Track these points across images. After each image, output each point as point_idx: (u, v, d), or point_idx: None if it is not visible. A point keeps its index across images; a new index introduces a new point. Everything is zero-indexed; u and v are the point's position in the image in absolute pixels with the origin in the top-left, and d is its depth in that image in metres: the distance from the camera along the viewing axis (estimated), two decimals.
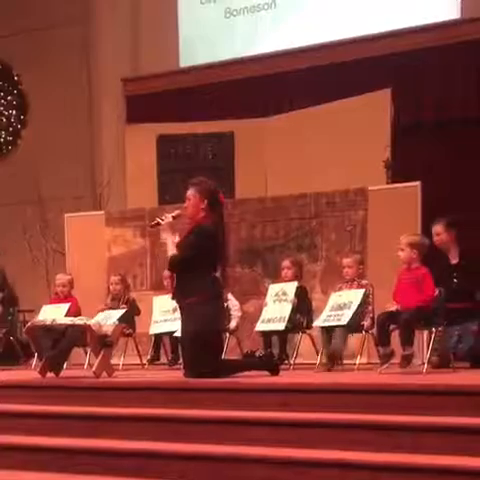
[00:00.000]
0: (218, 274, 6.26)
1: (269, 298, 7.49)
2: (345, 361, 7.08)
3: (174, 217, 6.30)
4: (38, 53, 12.74)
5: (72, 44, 12.55)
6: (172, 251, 6.14)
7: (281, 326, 7.22)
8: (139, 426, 5.36)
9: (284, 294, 7.37)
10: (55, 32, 12.60)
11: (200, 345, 5.99)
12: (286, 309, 7.26)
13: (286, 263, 7.66)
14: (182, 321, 6.28)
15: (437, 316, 6.14)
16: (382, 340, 6.28)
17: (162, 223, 6.24)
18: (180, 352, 6.97)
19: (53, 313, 7.65)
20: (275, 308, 7.35)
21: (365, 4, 11.18)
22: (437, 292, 6.17)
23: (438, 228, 6.76)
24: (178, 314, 6.53)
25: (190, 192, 6.22)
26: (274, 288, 7.53)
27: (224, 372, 6.03)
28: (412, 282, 6.19)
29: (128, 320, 7.91)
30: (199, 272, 6.08)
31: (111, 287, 8.29)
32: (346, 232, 8.19)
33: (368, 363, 7.06)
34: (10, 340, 8.60)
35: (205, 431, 5.12)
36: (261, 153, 10.52)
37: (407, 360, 5.98)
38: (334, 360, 6.82)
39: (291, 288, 7.37)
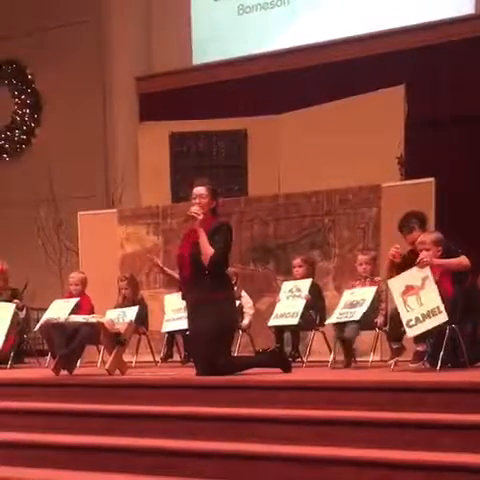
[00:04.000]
0: (229, 271, 6.34)
1: (282, 294, 7.49)
2: (358, 358, 7.05)
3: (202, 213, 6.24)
4: (52, 52, 12.78)
5: (86, 43, 12.59)
6: (209, 248, 6.05)
7: (294, 321, 7.21)
8: (152, 424, 5.37)
9: (298, 290, 7.37)
10: (69, 31, 12.64)
11: (218, 341, 6.00)
12: (299, 305, 7.25)
13: (297, 261, 7.66)
14: (196, 318, 6.22)
15: (452, 314, 6.09)
16: (394, 336, 6.26)
17: (199, 219, 6.10)
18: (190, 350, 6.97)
19: (61, 308, 7.65)
20: (288, 304, 7.35)
21: (378, 0, 11.14)
22: (453, 290, 6.13)
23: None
24: None
25: (202, 191, 6.20)
26: (288, 285, 7.52)
27: (236, 369, 6.04)
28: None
29: (141, 320, 7.92)
30: (220, 270, 6.13)
31: (121, 291, 8.31)
32: (359, 229, 8.16)
33: (381, 360, 7.04)
34: (24, 338, 8.61)
35: (218, 429, 5.12)
36: (274, 150, 10.50)
37: (420, 357, 5.95)
38: (350, 354, 6.82)
39: (305, 285, 7.36)
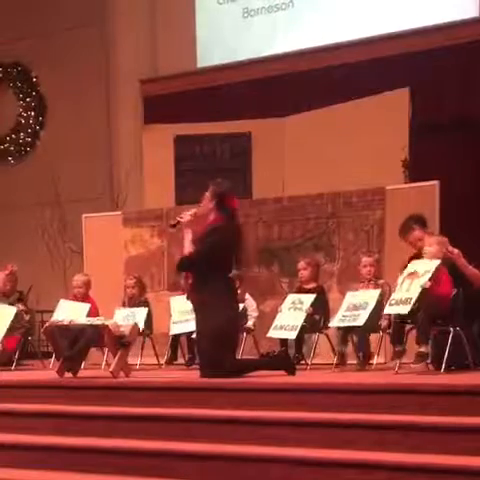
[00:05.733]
0: (232, 275, 6.35)
1: (285, 305, 7.48)
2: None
3: (192, 215, 6.34)
4: (56, 55, 12.80)
5: (90, 46, 12.61)
6: (188, 250, 6.18)
7: (293, 335, 7.24)
8: (155, 426, 5.39)
9: (300, 303, 7.37)
10: (73, 34, 12.66)
11: (219, 344, 6.01)
12: (299, 318, 7.25)
13: (301, 264, 7.67)
14: (199, 320, 6.25)
15: (455, 316, 6.10)
16: (397, 338, 6.28)
17: (182, 222, 6.25)
18: (196, 352, 6.98)
19: (71, 310, 7.68)
20: (289, 315, 7.35)
21: (383, 3, 11.13)
22: (454, 292, 6.13)
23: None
24: None
25: (206, 193, 6.32)
26: (292, 297, 7.53)
27: (241, 371, 6.04)
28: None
29: (146, 322, 7.93)
30: (215, 272, 6.11)
31: (128, 290, 8.31)
32: (363, 232, 8.16)
33: (385, 363, 7.03)
34: (28, 340, 8.62)
35: (221, 431, 5.13)
36: (278, 153, 10.51)
37: (422, 358, 5.96)
38: (365, 362, 6.87)
39: (308, 299, 7.34)
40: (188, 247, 6.20)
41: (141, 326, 7.46)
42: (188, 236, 6.22)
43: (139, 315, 7.77)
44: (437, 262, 6.05)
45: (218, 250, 6.12)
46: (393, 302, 6.18)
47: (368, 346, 6.98)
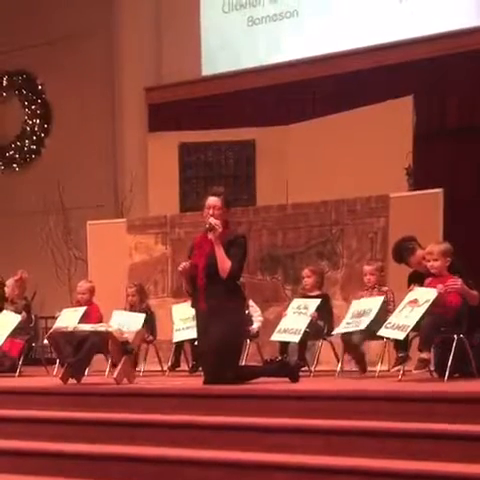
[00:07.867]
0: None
1: (290, 309, 7.49)
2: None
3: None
4: (62, 63, 12.86)
5: (95, 53, 12.66)
6: (227, 261, 6.12)
7: (296, 338, 7.24)
8: (159, 432, 5.39)
9: (305, 308, 7.37)
10: (79, 42, 12.72)
11: (228, 350, 6.03)
12: (303, 322, 7.25)
13: (306, 272, 7.68)
14: (205, 327, 6.24)
15: (459, 324, 6.09)
16: (400, 344, 6.28)
17: (219, 230, 6.16)
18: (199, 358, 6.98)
19: (70, 317, 7.70)
20: (293, 319, 7.35)
21: (386, 12, 11.16)
22: (460, 301, 6.13)
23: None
24: None
25: (216, 201, 6.24)
26: (297, 301, 7.53)
27: (244, 378, 6.05)
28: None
29: (149, 328, 7.94)
30: (234, 281, 6.20)
31: (128, 298, 8.32)
32: (367, 239, 8.16)
33: (388, 370, 7.02)
34: (32, 347, 8.64)
35: (225, 438, 5.14)
36: (282, 161, 10.53)
37: (423, 364, 5.95)
38: (362, 360, 6.86)
39: (313, 304, 7.35)
40: (226, 258, 6.12)
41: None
42: (221, 248, 6.12)
43: (135, 321, 7.72)
44: (436, 292, 6.02)
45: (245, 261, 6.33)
46: (389, 326, 6.25)
47: (362, 351, 6.97)
